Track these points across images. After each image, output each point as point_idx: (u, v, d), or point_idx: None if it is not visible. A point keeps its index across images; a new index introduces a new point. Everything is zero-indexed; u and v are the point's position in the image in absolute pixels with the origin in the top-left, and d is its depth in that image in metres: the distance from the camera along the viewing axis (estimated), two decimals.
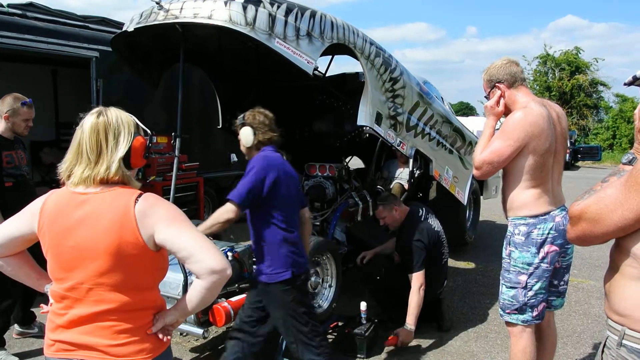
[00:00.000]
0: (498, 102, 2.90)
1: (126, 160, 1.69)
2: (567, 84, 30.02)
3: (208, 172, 7.92)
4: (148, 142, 1.75)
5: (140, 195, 1.65)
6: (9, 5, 5.77)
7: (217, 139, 7.99)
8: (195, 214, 7.35)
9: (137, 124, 1.76)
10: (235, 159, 8.78)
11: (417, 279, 3.93)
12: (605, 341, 1.57)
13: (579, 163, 23.63)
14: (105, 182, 1.67)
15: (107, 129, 1.68)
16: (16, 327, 4.08)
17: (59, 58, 6.25)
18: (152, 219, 1.61)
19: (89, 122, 1.69)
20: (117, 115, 1.72)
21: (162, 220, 1.62)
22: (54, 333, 1.67)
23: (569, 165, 21.62)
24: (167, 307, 1.77)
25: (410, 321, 3.87)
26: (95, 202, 1.64)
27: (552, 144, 2.70)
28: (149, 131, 1.79)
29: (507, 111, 2.88)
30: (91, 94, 6.22)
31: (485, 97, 2.99)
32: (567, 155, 20.95)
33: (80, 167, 1.66)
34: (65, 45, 5.97)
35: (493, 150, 2.71)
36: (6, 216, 3.42)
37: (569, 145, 21.58)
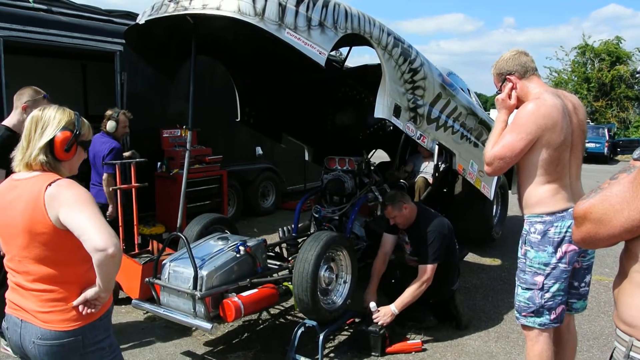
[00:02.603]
0: (510, 95, 2.76)
1: (52, 151, 1.93)
2: (607, 75, 28.93)
3: (232, 165, 7.94)
4: (72, 139, 1.96)
5: (55, 181, 1.86)
6: (35, 1, 5.85)
7: (242, 132, 7.97)
8: (219, 207, 7.38)
9: (73, 122, 1.98)
10: (261, 152, 8.78)
11: (426, 272, 3.83)
12: (613, 352, 1.45)
13: (619, 157, 22.75)
14: (31, 167, 1.93)
15: (38, 122, 1.95)
16: None
17: (83, 52, 6.34)
18: (57, 201, 1.82)
19: (31, 115, 1.98)
20: (52, 112, 1.97)
21: (65, 203, 1.82)
22: (8, 293, 2.00)
23: (608, 160, 20.88)
24: None
25: (398, 305, 3.83)
26: (21, 186, 1.90)
27: (567, 137, 2.55)
28: (82, 131, 2.00)
29: (519, 104, 2.73)
30: (115, 87, 6.29)
31: (497, 92, 2.85)
32: (606, 148, 20.27)
33: (18, 151, 1.96)
34: (89, 40, 6.05)
35: (504, 144, 2.57)
36: None
37: (607, 138, 20.94)
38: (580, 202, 1.43)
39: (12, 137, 3.50)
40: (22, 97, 3.61)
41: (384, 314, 3.81)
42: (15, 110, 3.61)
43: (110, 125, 5.01)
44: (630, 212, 1.29)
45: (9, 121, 3.60)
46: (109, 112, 5.07)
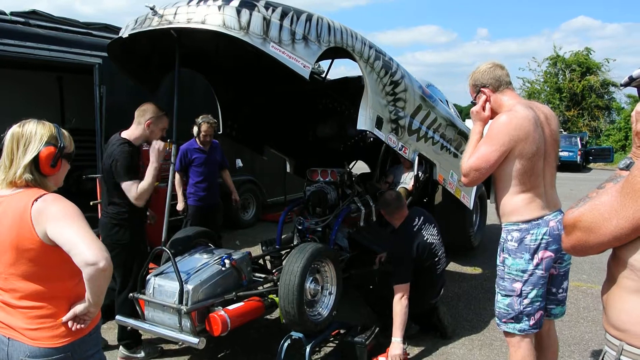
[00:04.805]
0: (484, 107, 2.84)
1: (37, 168, 1.90)
2: (578, 85, 29.70)
3: None
4: (57, 153, 1.93)
5: (42, 196, 1.84)
6: (12, 13, 5.79)
7: (222, 144, 7.97)
8: None
9: (55, 136, 1.94)
10: (241, 164, 8.75)
11: (397, 290, 3.81)
12: (603, 357, 1.50)
13: (591, 165, 23.32)
14: (15, 185, 1.89)
15: (19, 139, 1.90)
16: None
17: (62, 65, 6.27)
18: (44, 216, 1.80)
19: (10, 131, 1.93)
20: (32, 128, 1.92)
21: (52, 217, 1.80)
22: None
23: (581, 167, 21.36)
24: None
25: (396, 334, 3.73)
26: (6, 203, 1.87)
27: (540, 147, 2.63)
28: (65, 144, 1.96)
29: (493, 115, 2.82)
30: (94, 100, 6.23)
31: (472, 102, 2.93)
32: (579, 157, 20.73)
33: (0, 171, 1.92)
34: (68, 52, 5.99)
35: (479, 156, 2.65)
36: (137, 219, 3.72)
37: (580, 147, 21.38)
38: (570, 211, 1.49)
39: (135, 150, 3.68)
40: (145, 114, 3.73)
41: (394, 350, 3.69)
42: (138, 126, 3.73)
43: (194, 130, 5.42)
44: (619, 221, 1.34)
45: (129, 135, 3.73)
46: (198, 119, 5.39)
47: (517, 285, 2.66)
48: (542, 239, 2.61)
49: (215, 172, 5.72)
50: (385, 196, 4.33)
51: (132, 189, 3.54)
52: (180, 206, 5.39)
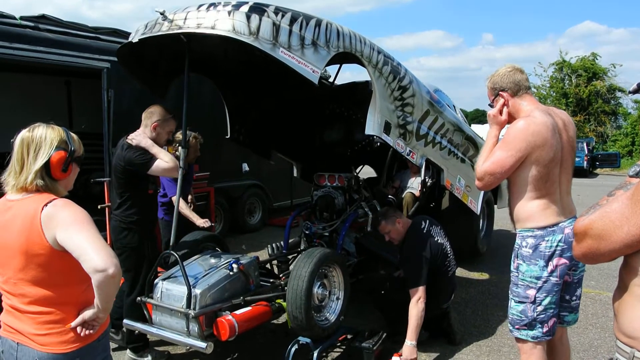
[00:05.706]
0: (501, 111, 2.82)
1: (49, 173, 1.89)
2: (584, 90, 29.63)
3: (219, 182, 7.91)
4: (68, 157, 1.93)
5: (52, 201, 1.84)
6: (21, 18, 5.83)
7: (229, 148, 7.99)
8: None
9: (65, 140, 1.94)
10: (247, 168, 8.76)
11: (413, 293, 3.80)
12: None
13: (598, 170, 23.24)
14: (26, 190, 1.88)
15: (29, 144, 1.89)
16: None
17: (70, 69, 6.29)
18: (54, 221, 1.79)
19: (20, 136, 1.92)
20: (42, 132, 1.92)
21: (62, 223, 1.79)
22: (3, 316, 1.96)
23: (587, 173, 21.28)
24: None
25: (411, 337, 3.72)
26: (16, 207, 1.86)
27: (557, 154, 2.61)
28: (75, 147, 1.96)
29: (511, 120, 2.79)
30: (102, 104, 6.26)
31: (489, 104, 2.91)
32: (585, 162, 20.66)
33: (10, 176, 1.91)
34: (76, 57, 6.02)
35: (494, 161, 2.63)
36: (147, 222, 3.73)
37: (586, 152, 21.29)
38: (580, 218, 1.48)
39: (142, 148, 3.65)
40: (152, 116, 3.74)
41: (407, 354, 3.68)
42: (144, 128, 3.74)
43: (181, 152, 4.58)
44: (630, 228, 1.33)
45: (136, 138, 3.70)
46: (179, 137, 4.55)
47: (531, 292, 2.64)
48: (557, 246, 2.59)
49: (188, 189, 5.42)
50: (382, 209, 4.34)
51: (162, 164, 3.56)
52: (200, 223, 4.94)
